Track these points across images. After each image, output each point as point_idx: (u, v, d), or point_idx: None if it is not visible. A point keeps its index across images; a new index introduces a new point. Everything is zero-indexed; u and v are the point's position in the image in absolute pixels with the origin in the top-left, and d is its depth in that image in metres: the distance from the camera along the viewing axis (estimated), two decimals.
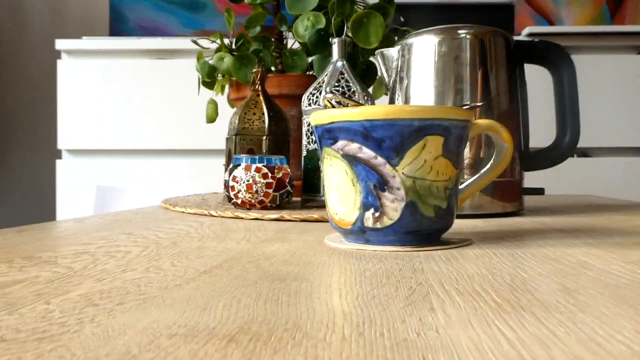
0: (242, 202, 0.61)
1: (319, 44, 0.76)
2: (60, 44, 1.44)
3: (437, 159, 0.36)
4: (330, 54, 0.76)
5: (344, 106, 0.46)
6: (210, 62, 0.83)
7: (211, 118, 0.86)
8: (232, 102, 0.88)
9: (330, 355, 0.16)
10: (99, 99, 1.44)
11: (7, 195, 1.84)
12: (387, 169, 0.36)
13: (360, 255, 0.34)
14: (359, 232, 0.37)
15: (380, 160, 0.36)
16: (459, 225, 0.50)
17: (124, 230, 0.46)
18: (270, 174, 0.61)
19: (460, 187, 0.42)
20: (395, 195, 0.36)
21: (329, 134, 0.37)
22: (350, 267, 0.30)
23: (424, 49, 0.61)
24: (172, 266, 0.30)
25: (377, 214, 0.36)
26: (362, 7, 0.79)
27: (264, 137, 0.70)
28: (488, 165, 0.42)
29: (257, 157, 0.63)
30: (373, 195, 0.36)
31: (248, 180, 0.61)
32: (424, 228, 0.37)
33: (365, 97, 0.66)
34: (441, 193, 0.37)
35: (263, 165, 0.62)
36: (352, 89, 0.65)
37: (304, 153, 0.68)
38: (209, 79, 0.83)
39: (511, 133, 0.43)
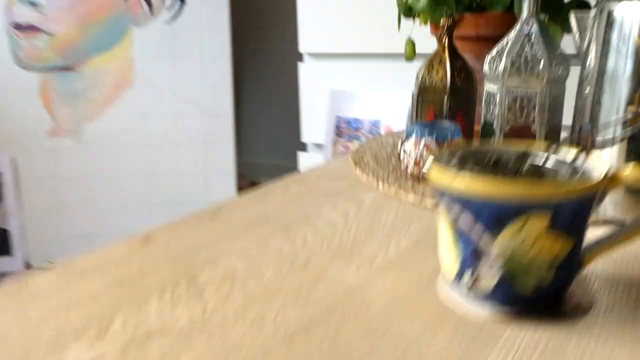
0: (411, 174, 0.64)
1: None
2: None
3: (541, 237, 0.34)
4: None
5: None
6: None
7: (409, 57, 0.85)
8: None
9: None
10: (335, 4, 1.50)
11: (256, 95, 2.14)
12: (484, 239, 0.35)
13: (443, 308, 0.36)
14: (459, 286, 0.38)
15: (478, 230, 0.35)
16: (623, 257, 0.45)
17: (282, 223, 0.54)
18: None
19: (588, 245, 0.38)
20: (490, 267, 0.35)
21: (438, 192, 0.38)
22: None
23: (628, 21, 0.50)
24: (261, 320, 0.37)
25: (472, 280, 0.37)
26: None
27: (445, 97, 0.69)
28: (630, 223, 0.37)
29: (427, 128, 0.63)
30: (469, 261, 0.36)
31: (416, 157, 0.62)
32: (519, 304, 0.36)
33: (556, 65, 0.58)
34: (543, 271, 0.35)
35: (432, 141, 0.62)
36: (536, 57, 0.58)
37: (482, 121, 0.65)
38: (407, 17, 0.82)
39: None
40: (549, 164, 0.40)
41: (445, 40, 0.70)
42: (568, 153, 0.39)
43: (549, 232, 0.34)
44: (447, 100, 0.69)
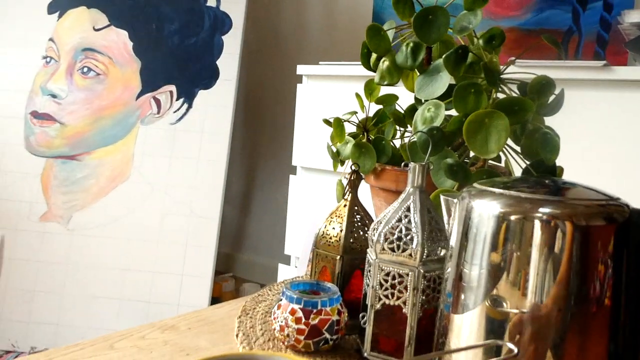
0: (278, 338, 0.58)
1: (422, 149, 0.63)
2: (301, 69, 1.56)
3: None
4: (445, 156, 0.63)
5: None
6: (337, 145, 0.79)
7: (339, 199, 0.82)
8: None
9: None
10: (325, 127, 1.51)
11: (254, 200, 2.18)
12: None
13: None
14: None
15: None
16: None
17: None
18: (303, 319, 0.56)
19: None
20: None
21: None
22: None
23: (485, 218, 0.44)
24: None
25: None
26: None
27: (338, 257, 0.64)
28: None
29: (297, 292, 0.58)
30: None
31: (281, 322, 0.57)
32: None
33: (435, 244, 0.53)
34: None
35: (299, 308, 0.57)
36: (410, 237, 0.53)
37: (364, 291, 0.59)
38: (336, 162, 0.79)
39: None
40: None
41: (350, 195, 0.67)
42: None
43: None
44: (340, 261, 0.64)
